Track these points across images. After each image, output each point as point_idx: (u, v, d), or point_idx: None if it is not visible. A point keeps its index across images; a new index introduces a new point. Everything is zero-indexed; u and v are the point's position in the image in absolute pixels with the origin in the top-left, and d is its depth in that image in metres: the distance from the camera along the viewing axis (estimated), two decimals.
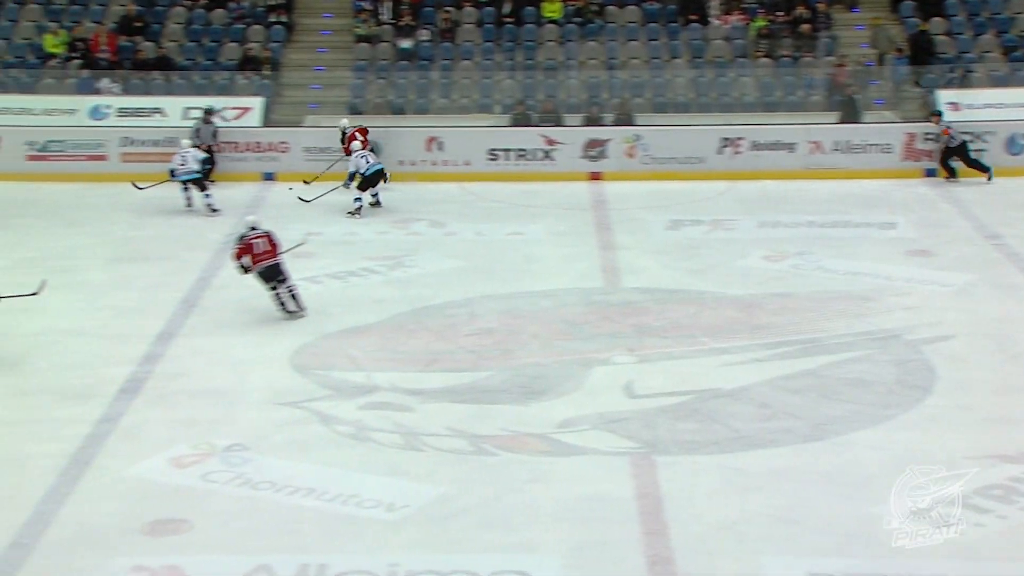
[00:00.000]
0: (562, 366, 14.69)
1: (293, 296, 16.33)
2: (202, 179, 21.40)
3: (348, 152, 21.86)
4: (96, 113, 23.99)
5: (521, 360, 14.92)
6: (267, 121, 24.38)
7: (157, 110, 23.92)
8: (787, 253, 18.92)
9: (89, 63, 25.38)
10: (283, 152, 23.48)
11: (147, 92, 24.72)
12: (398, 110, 25.41)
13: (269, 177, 23.28)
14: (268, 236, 16.37)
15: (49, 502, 11.50)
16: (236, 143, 23.44)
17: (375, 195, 21.30)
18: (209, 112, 23.29)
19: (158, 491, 11.79)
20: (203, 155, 21.80)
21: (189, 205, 21.41)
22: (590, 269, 18.41)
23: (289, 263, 16.34)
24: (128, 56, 25.64)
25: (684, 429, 12.99)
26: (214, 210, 21.25)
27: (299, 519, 11.28)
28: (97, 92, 24.68)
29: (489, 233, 20.34)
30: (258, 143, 23.44)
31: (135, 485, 11.90)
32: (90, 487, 11.86)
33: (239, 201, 21.70)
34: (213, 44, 26.34)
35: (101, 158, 22.88)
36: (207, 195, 21.33)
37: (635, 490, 11.76)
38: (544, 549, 10.79)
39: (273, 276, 16.25)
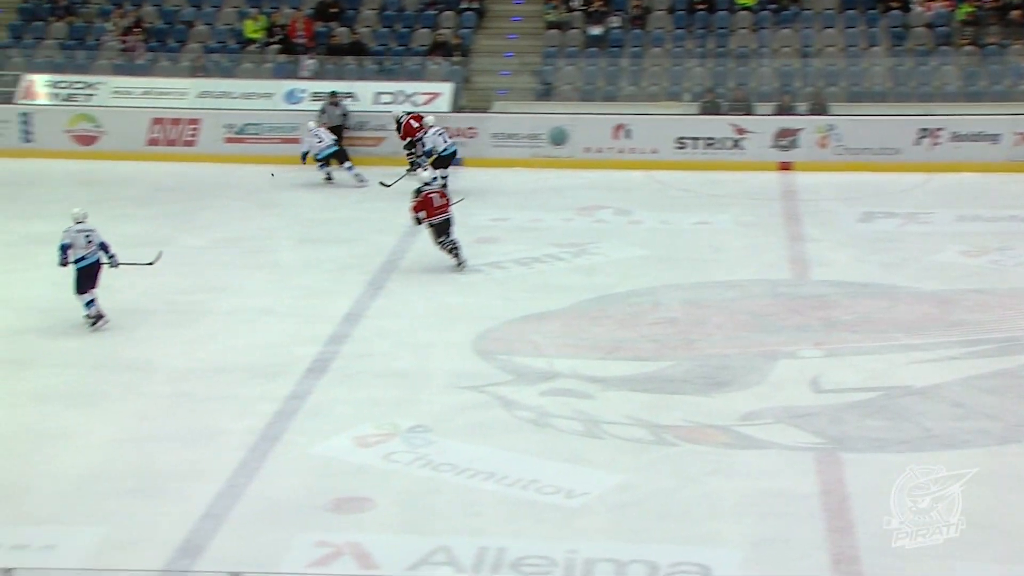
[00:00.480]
0: (746, 358, 14.43)
1: (456, 248, 17.32)
2: (340, 151, 22.12)
3: (405, 138, 22.30)
4: (291, 97, 24.54)
5: (704, 351, 14.72)
6: (456, 107, 24.57)
7: (348, 95, 24.35)
8: (987, 248, 18.23)
9: (287, 48, 25.98)
10: (471, 138, 23.65)
11: (339, 77, 25.17)
12: (586, 97, 25.33)
13: (456, 163, 23.47)
14: (442, 192, 17.70)
15: (240, 476, 11.79)
16: None
17: (445, 177, 20.73)
18: (335, 95, 23.82)
19: (342, 469, 11.99)
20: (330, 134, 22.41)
21: (329, 178, 22.15)
22: (777, 260, 18.06)
23: (474, 249, 16.43)
24: (323, 41, 26.17)
25: (873, 426, 12.62)
26: (362, 180, 21.95)
27: (479, 502, 11.33)
28: (296, 76, 25.20)
29: (675, 222, 20.13)
30: (446, 128, 23.63)
31: (320, 462, 12.12)
32: (278, 463, 12.12)
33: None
34: (405, 29, 26.67)
35: (294, 141, 23.40)
36: (349, 166, 21.99)
37: (820, 486, 11.48)
38: (725, 542, 10.61)
39: (445, 230, 17.30)
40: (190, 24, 26.54)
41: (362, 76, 25.23)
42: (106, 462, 12.11)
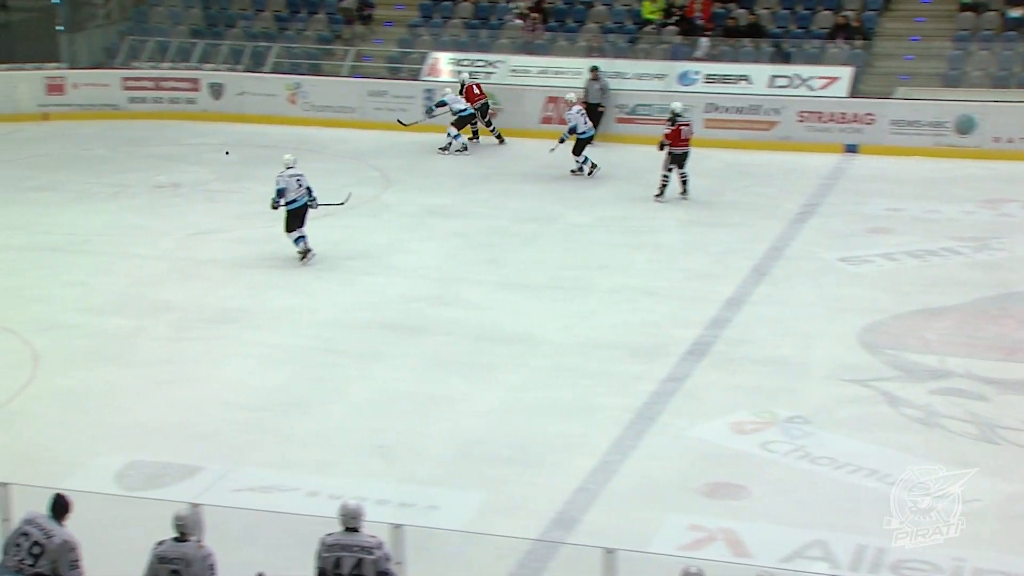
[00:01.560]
0: None
1: (685, 182, 19.71)
2: (484, 111, 23.38)
3: (470, 102, 22.97)
4: (685, 79, 24.41)
5: None
6: (854, 91, 23.74)
7: (743, 77, 23.99)
8: None
9: (684, 29, 25.87)
10: (868, 124, 22.81)
11: (735, 59, 24.84)
12: (999, 83, 23.85)
13: (851, 149, 22.71)
14: (689, 125, 19.90)
15: (614, 453, 11.82)
16: (820, 113, 23.05)
17: (585, 159, 21.35)
18: (595, 70, 23.59)
19: (717, 454, 11.81)
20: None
21: (475, 137, 23.36)
22: None
23: (865, 240, 15.76)
24: (720, 23, 25.89)
25: None
26: (502, 141, 23.45)
27: (858, 499, 10.87)
28: (691, 58, 25.05)
29: None
30: (843, 114, 22.92)
31: (695, 445, 11.99)
32: (653, 443, 12.07)
33: (819, 172, 21.41)
34: (806, 12, 25.98)
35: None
36: (492, 127, 23.46)
37: None
38: None
39: (682, 162, 19.64)
40: (589, 5, 26.89)
41: (757, 59, 24.80)
42: (487, 429, 12.42)
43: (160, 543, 8.32)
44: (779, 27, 25.77)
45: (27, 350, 14.24)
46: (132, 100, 25.10)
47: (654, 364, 13.78)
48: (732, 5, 26.15)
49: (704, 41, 25.37)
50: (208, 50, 26.24)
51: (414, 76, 25.41)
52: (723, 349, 14.20)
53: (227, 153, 22.76)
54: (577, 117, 21.32)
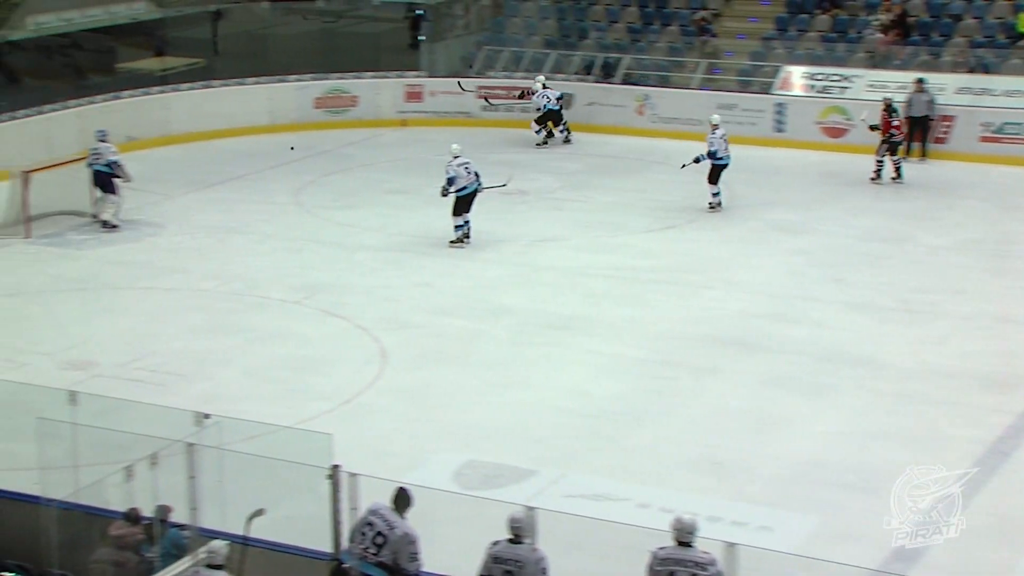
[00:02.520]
0: None
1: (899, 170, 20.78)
2: (558, 112, 23.86)
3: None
4: None
5: None
6: None
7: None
8: None
9: None
10: None
11: None
12: None
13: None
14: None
15: (963, 487, 11.18)
16: None
17: (716, 194, 19.88)
18: (920, 82, 22.57)
19: None
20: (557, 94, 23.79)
21: (549, 136, 23.94)
22: None
23: None
24: None
25: None
26: (568, 140, 24.06)
27: None
28: None
29: None
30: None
31: None
32: (1006, 479, 11.38)
33: None
34: None
35: None
36: (563, 129, 24.01)
37: None
38: None
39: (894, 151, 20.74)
40: (958, 18, 25.70)
41: None
42: (825, 452, 12.03)
43: (495, 543, 8.42)
44: None
45: (376, 347, 14.81)
46: (485, 108, 25.81)
47: (1010, 396, 12.99)
48: None
49: None
50: (560, 60, 26.67)
51: (765, 90, 24.99)
52: None
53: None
54: (719, 142, 19.92)
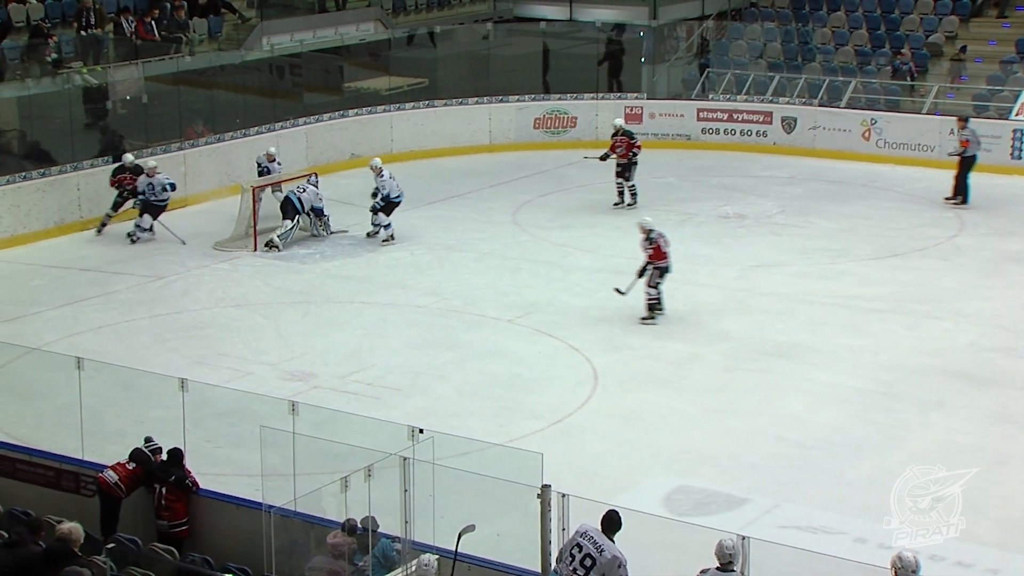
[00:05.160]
0: None
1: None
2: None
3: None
4: None
5: None
6: None
7: None
8: None
9: None
10: None
11: None
12: None
13: None
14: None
15: None
16: None
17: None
18: None
19: None
20: None
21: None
22: None
23: None
24: None
25: None
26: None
27: None
28: None
29: None
30: None
31: None
32: None
33: None
34: None
35: None
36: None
37: None
38: None
39: None
40: None
41: None
42: None
43: (704, 571, 8.24)
44: None
45: (588, 367, 14.73)
46: (705, 131, 25.51)
47: None
48: None
49: None
50: (784, 84, 26.20)
51: (1002, 115, 24.01)
52: None
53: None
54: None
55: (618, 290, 16.31)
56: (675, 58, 28.22)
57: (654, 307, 16.12)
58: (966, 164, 21.04)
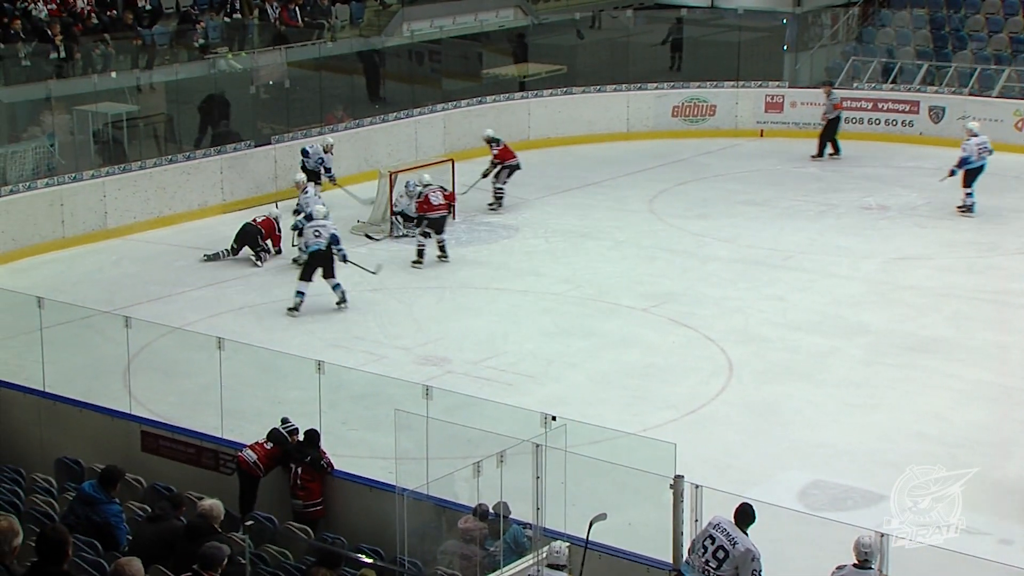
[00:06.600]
0: None
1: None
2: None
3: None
4: None
5: None
6: None
7: None
8: None
9: None
10: None
11: None
12: None
13: None
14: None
15: None
16: None
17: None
18: None
19: None
20: None
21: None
22: None
23: None
24: None
25: None
26: None
27: None
28: None
29: None
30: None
31: None
32: None
33: None
34: None
35: None
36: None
37: None
38: None
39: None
40: None
41: None
42: None
43: (840, 567, 8.09)
44: None
45: (723, 358, 14.55)
46: (848, 120, 24.98)
47: None
48: None
49: None
50: (933, 72, 25.53)
51: None
52: None
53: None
54: (973, 148, 19.58)
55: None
56: (819, 45, 27.68)
57: (422, 253, 17.78)
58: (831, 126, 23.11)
